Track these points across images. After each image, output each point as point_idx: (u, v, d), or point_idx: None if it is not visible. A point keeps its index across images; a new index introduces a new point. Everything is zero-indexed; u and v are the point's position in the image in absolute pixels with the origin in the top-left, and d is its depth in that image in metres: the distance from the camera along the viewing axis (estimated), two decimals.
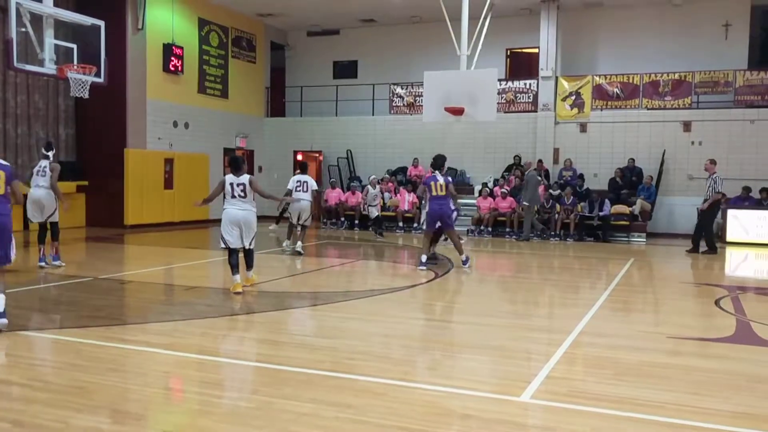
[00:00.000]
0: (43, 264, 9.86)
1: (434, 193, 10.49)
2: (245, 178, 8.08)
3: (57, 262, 10.05)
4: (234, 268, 8.08)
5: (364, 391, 4.56)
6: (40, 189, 9.72)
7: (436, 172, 10.61)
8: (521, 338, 6.33)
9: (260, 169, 21.75)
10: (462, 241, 11.41)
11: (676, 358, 5.64)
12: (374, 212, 16.51)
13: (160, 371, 5.07)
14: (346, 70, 22.42)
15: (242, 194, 7.99)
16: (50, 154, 9.96)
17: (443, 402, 4.37)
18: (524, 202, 16.09)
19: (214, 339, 6.16)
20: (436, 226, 10.72)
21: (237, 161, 8.22)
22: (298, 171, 12.27)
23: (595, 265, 12.55)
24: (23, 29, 9.96)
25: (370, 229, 16.79)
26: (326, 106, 21.61)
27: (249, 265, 8.41)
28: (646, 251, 14.57)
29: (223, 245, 8.18)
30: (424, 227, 11.41)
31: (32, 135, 16.06)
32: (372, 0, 18.59)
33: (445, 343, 6.16)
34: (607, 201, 16.43)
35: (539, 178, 16.63)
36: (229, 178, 8.10)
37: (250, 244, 8.21)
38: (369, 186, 16.86)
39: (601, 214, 16.27)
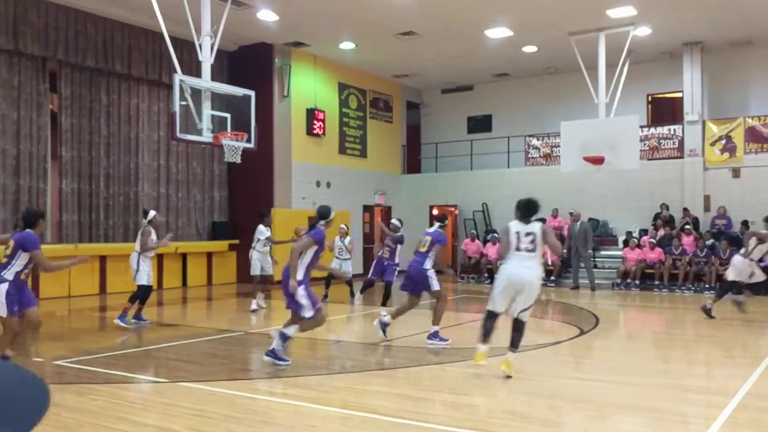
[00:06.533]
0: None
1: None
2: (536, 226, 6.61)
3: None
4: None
5: None
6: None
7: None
8: (678, 400, 5.91)
9: None
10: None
11: None
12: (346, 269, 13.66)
13: (307, 425, 5.22)
14: (480, 124, 22.56)
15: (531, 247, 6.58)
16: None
17: None
18: (588, 251, 16.38)
19: (357, 394, 6.25)
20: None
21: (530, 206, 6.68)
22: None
23: (759, 320, 11.53)
24: (183, 103, 10.89)
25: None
26: (461, 160, 21.76)
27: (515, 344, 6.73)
28: None
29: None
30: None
31: (190, 198, 17.45)
32: (506, 55, 18.70)
33: (593, 403, 5.84)
34: None
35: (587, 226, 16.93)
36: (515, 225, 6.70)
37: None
38: (337, 237, 13.79)
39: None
